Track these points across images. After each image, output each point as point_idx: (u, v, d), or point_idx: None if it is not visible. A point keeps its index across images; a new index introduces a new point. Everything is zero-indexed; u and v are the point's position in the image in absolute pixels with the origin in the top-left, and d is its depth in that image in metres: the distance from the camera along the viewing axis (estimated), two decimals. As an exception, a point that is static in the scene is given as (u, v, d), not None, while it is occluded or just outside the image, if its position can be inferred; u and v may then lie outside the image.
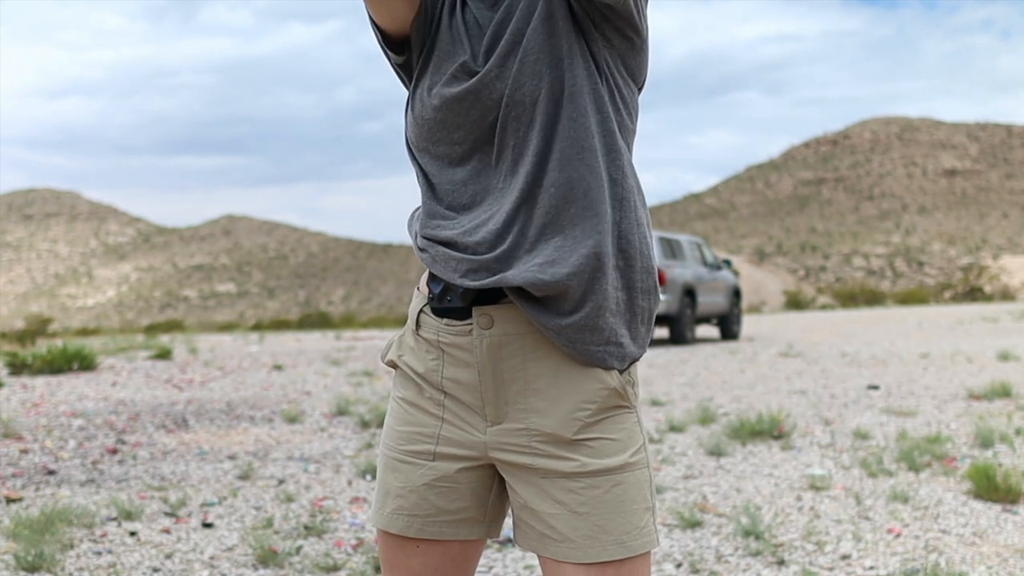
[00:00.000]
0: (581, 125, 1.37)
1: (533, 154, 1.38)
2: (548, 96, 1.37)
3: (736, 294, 17.52)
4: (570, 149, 1.37)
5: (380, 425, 6.74)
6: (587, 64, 1.39)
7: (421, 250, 1.48)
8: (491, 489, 1.49)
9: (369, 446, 6.16)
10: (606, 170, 1.39)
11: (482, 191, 1.42)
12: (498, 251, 1.38)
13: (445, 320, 1.45)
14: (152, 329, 30.49)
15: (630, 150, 1.46)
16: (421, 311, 1.49)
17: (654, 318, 1.48)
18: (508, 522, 3.60)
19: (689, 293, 15.55)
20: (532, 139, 1.38)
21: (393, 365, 1.54)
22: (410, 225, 1.54)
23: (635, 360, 1.44)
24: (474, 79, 1.40)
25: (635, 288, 1.42)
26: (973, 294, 40.38)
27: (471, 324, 1.42)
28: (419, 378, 1.48)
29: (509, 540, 3.84)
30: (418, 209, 1.51)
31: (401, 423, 1.51)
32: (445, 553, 1.50)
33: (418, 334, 1.49)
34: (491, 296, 1.42)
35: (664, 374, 10.61)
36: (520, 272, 1.37)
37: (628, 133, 1.45)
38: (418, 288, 1.53)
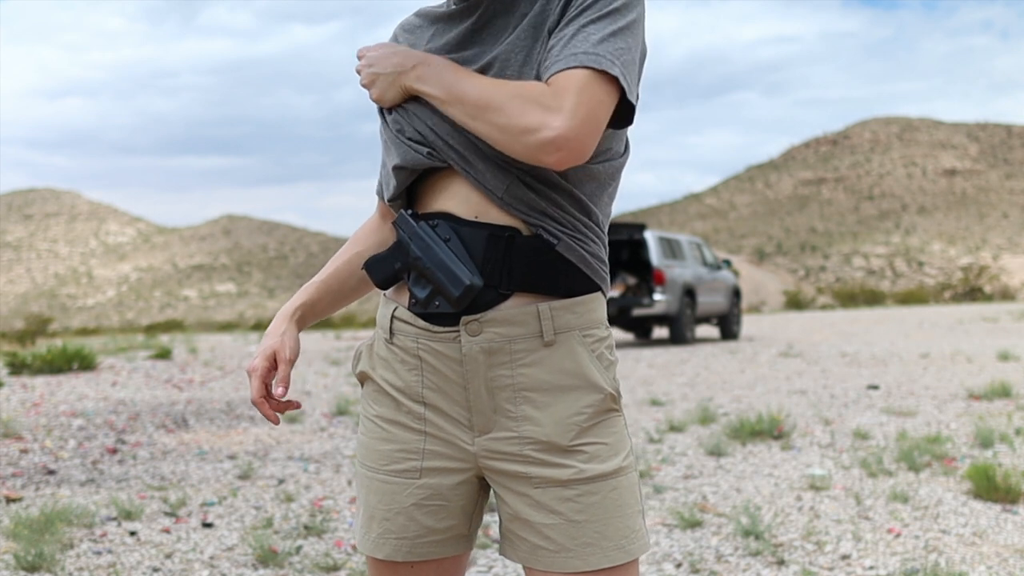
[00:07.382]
0: None
1: None
2: None
3: (736, 294, 17.53)
4: None
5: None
6: None
7: None
8: (476, 503, 1.44)
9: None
10: None
11: None
12: None
13: (425, 326, 1.37)
14: (152, 329, 30.51)
15: None
16: (394, 317, 1.42)
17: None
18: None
19: (689, 293, 15.57)
20: None
21: (364, 378, 1.47)
22: None
23: None
24: None
25: None
26: (973, 294, 40.35)
27: (457, 331, 1.35)
28: (396, 391, 1.41)
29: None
30: None
31: (380, 442, 1.42)
32: (439, 569, 1.45)
33: (392, 343, 1.41)
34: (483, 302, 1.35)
35: (664, 374, 10.61)
36: None
37: None
38: (385, 294, 1.46)
